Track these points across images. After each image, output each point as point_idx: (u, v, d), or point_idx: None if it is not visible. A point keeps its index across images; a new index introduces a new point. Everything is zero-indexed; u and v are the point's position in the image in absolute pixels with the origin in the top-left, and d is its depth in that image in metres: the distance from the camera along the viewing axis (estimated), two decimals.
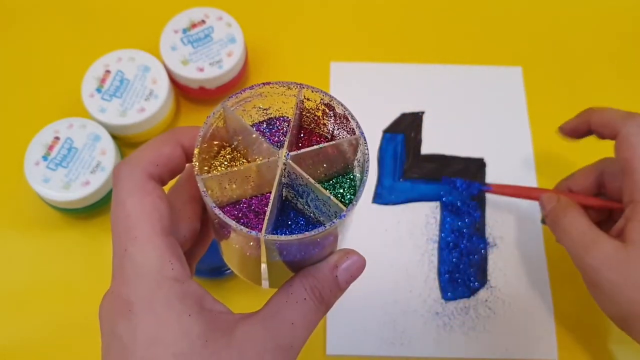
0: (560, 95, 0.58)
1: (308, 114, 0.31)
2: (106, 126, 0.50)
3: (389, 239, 0.51)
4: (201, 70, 0.52)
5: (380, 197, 0.53)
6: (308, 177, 0.27)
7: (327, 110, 0.30)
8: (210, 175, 0.27)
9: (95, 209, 0.50)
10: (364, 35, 0.61)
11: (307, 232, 0.26)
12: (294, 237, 0.26)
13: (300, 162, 0.28)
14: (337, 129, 0.30)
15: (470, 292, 0.50)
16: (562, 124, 0.46)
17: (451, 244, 0.51)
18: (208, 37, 0.54)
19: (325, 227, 0.26)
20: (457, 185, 0.53)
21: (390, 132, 0.56)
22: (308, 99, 0.30)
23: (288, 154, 0.28)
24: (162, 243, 0.26)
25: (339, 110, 0.29)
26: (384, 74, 0.58)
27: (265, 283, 0.33)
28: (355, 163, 0.30)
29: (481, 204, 0.53)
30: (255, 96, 0.29)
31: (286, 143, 0.28)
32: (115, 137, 0.51)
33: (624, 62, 0.60)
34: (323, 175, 0.30)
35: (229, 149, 0.30)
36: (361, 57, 0.59)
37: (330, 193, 0.27)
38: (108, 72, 0.52)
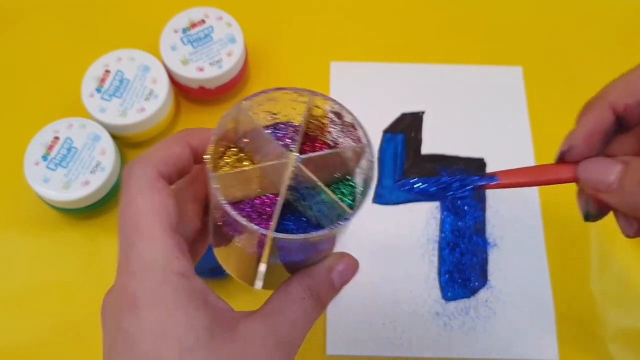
0: (560, 95, 0.58)
1: (314, 121, 0.31)
2: (106, 126, 0.50)
3: (389, 239, 0.51)
4: (201, 70, 0.52)
5: (380, 197, 0.53)
6: (317, 180, 0.28)
7: (335, 119, 0.30)
8: (222, 173, 0.28)
9: (95, 209, 0.50)
10: (364, 35, 0.61)
11: (314, 232, 0.26)
12: (302, 236, 0.26)
13: (308, 166, 0.28)
14: (342, 137, 0.31)
15: (471, 292, 0.50)
16: (563, 146, 0.31)
17: (451, 244, 0.51)
18: (208, 37, 0.54)
19: (332, 227, 0.27)
20: (449, 184, 0.35)
21: (390, 132, 0.56)
22: (317, 106, 0.30)
23: (299, 157, 0.28)
24: (170, 240, 0.26)
25: (347, 118, 0.30)
26: (384, 74, 0.58)
27: (259, 284, 0.33)
28: (358, 170, 0.30)
29: (482, 204, 0.53)
30: (268, 100, 0.30)
31: (297, 146, 0.29)
32: (115, 137, 0.51)
33: (624, 62, 0.60)
34: (324, 179, 0.30)
35: (235, 150, 0.31)
36: (361, 57, 0.59)
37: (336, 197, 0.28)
38: (108, 72, 0.52)
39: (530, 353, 0.48)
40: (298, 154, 0.28)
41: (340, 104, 0.30)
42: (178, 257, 0.26)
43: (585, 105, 0.30)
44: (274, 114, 0.31)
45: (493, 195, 0.53)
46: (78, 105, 0.51)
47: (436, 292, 0.50)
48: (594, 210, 0.31)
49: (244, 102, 0.29)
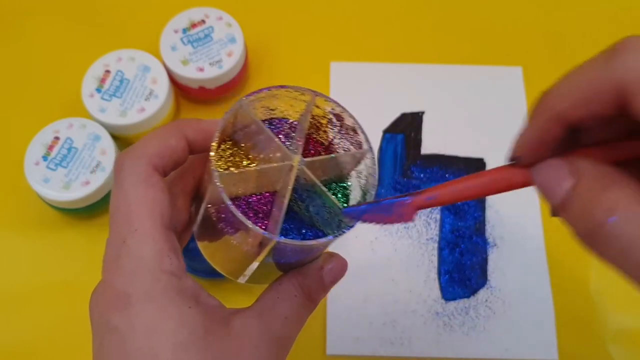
0: None
1: (312, 120, 0.31)
2: (106, 126, 0.50)
3: (389, 239, 0.51)
4: (201, 70, 0.52)
5: (380, 197, 0.53)
6: (320, 184, 0.28)
7: (334, 120, 0.30)
8: (228, 172, 0.27)
9: (95, 209, 0.50)
10: (364, 35, 0.61)
11: (319, 240, 0.27)
12: (306, 243, 0.27)
13: (311, 169, 0.29)
14: (339, 139, 0.31)
15: (470, 292, 0.50)
16: (511, 152, 0.26)
17: (451, 244, 0.51)
18: (208, 37, 0.54)
19: (336, 235, 0.27)
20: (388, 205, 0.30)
21: (390, 132, 0.56)
22: (317, 106, 0.30)
23: (303, 160, 0.28)
24: (162, 237, 0.26)
25: (348, 122, 0.30)
26: (384, 74, 0.58)
27: (243, 279, 0.33)
28: (354, 173, 0.31)
29: (482, 203, 0.53)
30: (270, 97, 0.30)
31: (300, 149, 0.29)
32: (115, 137, 0.51)
33: None
34: (321, 181, 0.30)
35: (228, 144, 0.30)
36: (361, 57, 0.59)
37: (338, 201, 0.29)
38: (108, 72, 0.52)
39: (530, 353, 0.48)
40: (302, 157, 0.29)
41: (342, 107, 0.30)
42: (169, 255, 0.26)
43: (536, 107, 0.24)
44: (272, 109, 0.31)
45: (493, 196, 0.53)
46: (78, 105, 0.51)
47: (436, 292, 0.50)
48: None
49: (245, 98, 0.29)
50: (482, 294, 0.50)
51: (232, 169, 0.29)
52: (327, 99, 0.30)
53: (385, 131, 0.56)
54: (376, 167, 0.29)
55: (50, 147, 0.49)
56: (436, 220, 0.52)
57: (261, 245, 0.28)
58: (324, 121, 0.31)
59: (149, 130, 0.52)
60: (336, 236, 0.27)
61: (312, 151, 0.31)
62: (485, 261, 0.51)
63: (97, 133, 0.50)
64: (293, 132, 0.31)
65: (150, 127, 0.52)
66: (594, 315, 0.49)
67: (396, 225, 0.52)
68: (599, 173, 0.21)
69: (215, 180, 0.26)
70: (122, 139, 0.53)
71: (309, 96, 0.30)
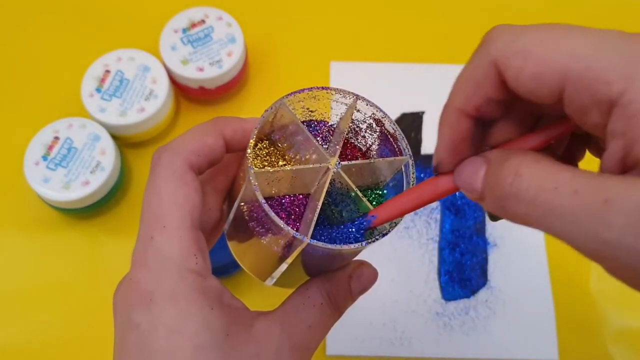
0: None
1: (351, 124, 0.31)
2: (106, 126, 0.50)
3: (389, 240, 0.51)
4: (201, 70, 0.52)
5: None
6: (356, 189, 0.28)
7: (375, 125, 0.30)
8: (263, 170, 0.27)
9: (95, 209, 0.50)
10: (364, 35, 0.61)
11: (350, 245, 0.26)
12: (337, 247, 0.26)
13: (347, 173, 0.28)
14: (378, 145, 0.30)
15: (471, 292, 0.50)
16: (434, 161, 0.27)
17: (451, 244, 0.51)
18: (208, 37, 0.54)
19: (370, 241, 0.27)
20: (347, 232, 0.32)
21: None
22: (358, 110, 0.30)
23: (339, 163, 0.28)
24: (190, 236, 0.26)
25: (389, 128, 0.29)
26: (384, 74, 0.58)
27: (271, 281, 0.33)
28: (390, 182, 0.30)
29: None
30: (310, 97, 0.30)
31: (338, 152, 0.28)
32: (115, 137, 0.51)
33: None
34: (357, 186, 0.30)
35: (266, 143, 0.30)
36: (361, 57, 0.59)
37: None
38: (108, 71, 0.52)
39: (530, 353, 0.48)
40: (338, 160, 0.28)
41: (383, 112, 0.29)
42: (196, 254, 0.26)
43: (440, 116, 0.26)
44: (311, 110, 0.31)
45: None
46: (78, 105, 0.51)
47: (436, 292, 0.50)
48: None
49: (285, 97, 0.29)
50: (482, 294, 0.50)
51: (267, 167, 0.29)
52: (369, 103, 0.29)
53: None
54: (414, 175, 0.29)
55: (50, 147, 0.49)
56: (436, 221, 0.52)
57: (291, 247, 0.27)
58: (363, 126, 0.30)
59: (148, 131, 0.52)
60: (368, 243, 0.26)
61: (350, 156, 0.30)
62: (485, 261, 0.51)
63: (96, 133, 0.50)
64: (331, 135, 0.30)
65: (150, 127, 0.52)
66: (594, 315, 0.49)
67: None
68: (504, 154, 0.23)
69: (250, 178, 0.26)
70: (122, 139, 0.53)
71: (351, 99, 0.29)
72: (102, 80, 0.52)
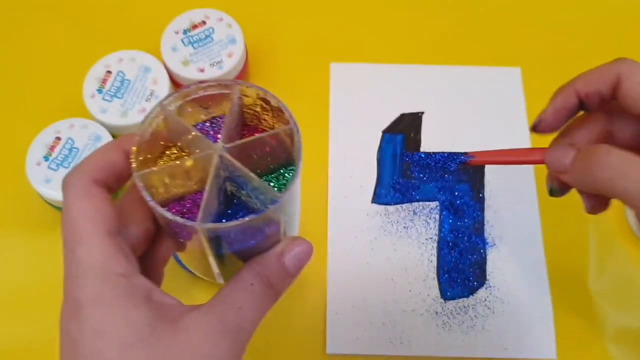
0: None
1: (248, 110, 0.31)
2: (107, 126, 0.51)
3: (388, 239, 0.52)
4: (202, 71, 0.53)
5: (379, 197, 0.53)
6: (242, 166, 0.28)
7: (265, 105, 0.30)
8: (146, 171, 0.28)
9: None
10: (363, 36, 0.61)
11: (241, 219, 0.26)
12: (228, 224, 0.26)
13: (239, 155, 0.28)
14: (276, 122, 0.31)
15: (470, 291, 0.50)
16: (535, 120, 0.37)
17: (450, 243, 0.52)
18: (208, 38, 0.54)
19: (259, 213, 0.26)
20: (428, 161, 0.48)
21: (390, 132, 0.56)
22: (246, 95, 0.30)
23: (224, 146, 0.28)
24: (106, 242, 0.27)
25: (273, 103, 0.30)
26: (384, 75, 0.59)
27: (219, 278, 0.33)
28: (295, 155, 0.30)
29: (481, 204, 0.53)
30: (192, 94, 0.30)
31: (221, 136, 0.29)
32: (115, 138, 0.51)
33: None
34: (267, 167, 0.30)
35: (175, 149, 0.31)
36: (361, 57, 0.59)
37: (271, 182, 0.29)
38: (109, 72, 0.52)
39: (529, 352, 0.48)
40: (223, 144, 0.28)
41: (264, 90, 0.30)
42: (117, 258, 0.27)
43: (557, 89, 0.37)
44: (206, 108, 0.31)
45: (492, 196, 0.53)
46: (79, 106, 0.52)
47: (435, 291, 0.50)
48: (556, 187, 0.38)
49: (165, 99, 0.29)
50: (481, 293, 0.50)
51: (152, 168, 0.29)
52: (248, 85, 0.30)
53: (385, 131, 0.56)
54: (301, 141, 0.29)
55: (52, 148, 0.49)
56: (435, 220, 0.52)
57: (196, 237, 0.28)
58: (257, 109, 0.31)
59: None
60: (260, 212, 0.26)
61: None
62: (484, 261, 0.51)
63: (98, 133, 0.50)
64: (234, 126, 0.31)
65: None
66: (592, 315, 0.49)
67: (396, 224, 0.52)
68: (592, 145, 0.35)
69: (135, 180, 0.27)
70: None
71: (232, 87, 0.30)
72: (104, 81, 0.52)
